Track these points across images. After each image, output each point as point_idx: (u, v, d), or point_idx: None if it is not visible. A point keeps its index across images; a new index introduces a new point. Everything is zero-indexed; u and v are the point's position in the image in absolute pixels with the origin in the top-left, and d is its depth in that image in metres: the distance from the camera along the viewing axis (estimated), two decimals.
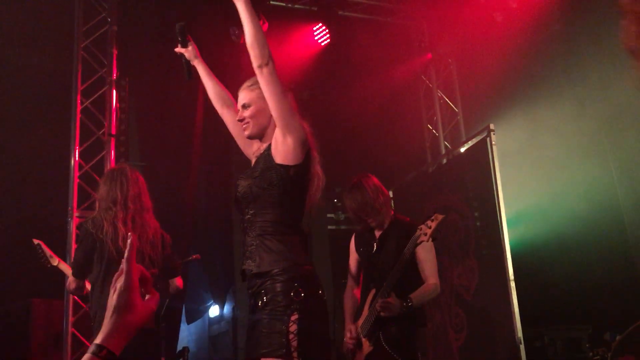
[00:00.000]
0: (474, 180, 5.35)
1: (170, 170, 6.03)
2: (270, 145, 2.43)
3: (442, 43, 6.48)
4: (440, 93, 6.73)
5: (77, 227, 3.49)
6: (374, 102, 6.56)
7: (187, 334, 9.37)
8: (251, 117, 2.49)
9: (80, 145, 5.17)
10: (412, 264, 3.51)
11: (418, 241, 3.34)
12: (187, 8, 5.79)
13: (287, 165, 2.36)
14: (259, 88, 2.41)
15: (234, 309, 7.83)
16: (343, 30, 6.21)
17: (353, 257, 3.91)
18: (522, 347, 4.66)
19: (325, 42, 6.38)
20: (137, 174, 3.57)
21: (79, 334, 4.85)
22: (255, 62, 2.31)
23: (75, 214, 4.94)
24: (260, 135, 2.52)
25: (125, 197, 3.42)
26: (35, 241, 3.71)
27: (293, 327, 2.16)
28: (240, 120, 2.52)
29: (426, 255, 3.52)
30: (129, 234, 1.21)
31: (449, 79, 6.69)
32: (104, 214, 3.39)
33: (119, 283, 1.14)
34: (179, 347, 4.91)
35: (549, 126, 5.50)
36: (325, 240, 7.80)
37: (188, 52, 2.78)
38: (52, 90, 5.51)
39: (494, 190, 4.95)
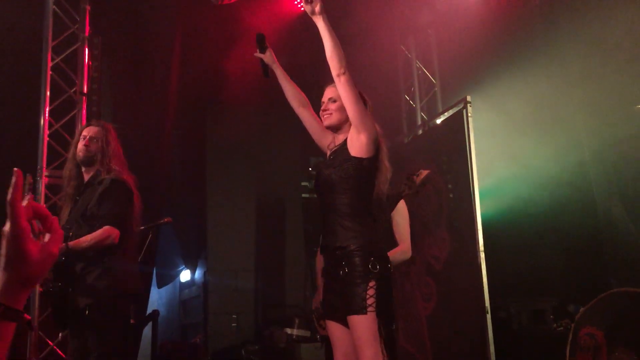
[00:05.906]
0: (449, 152, 5.37)
1: (144, 132, 5.92)
2: (346, 140, 2.89)
3: (422, 14, 6.42)
4: (418, 64, 6.71)
5: (112, 182, 3.26)
6: (352, 71, 6.49)
7: (157, 298, 9.37)
8: (335, 109, 2.95)
9: (51, 103, 5.05)
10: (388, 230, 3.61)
11: (403, 194, 3.42)
12: None
13: (361, 158, 2.81)
14: None
15: (205, 274, 7.83)
16: None
17: None
18: (488, 317, 4.75)
19: None
20: None
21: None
22: (334, 71, 2.80)
23: (45, 173, 4.85)
24: (337, 127, 2.97)
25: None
26: None
27: (371, 292, 2.63)
28: (325, 110, 2.97)
29: (400, 219, 3.67)
30: (15, 169, 0.95)
31: (428, 50, 6.66)
32: (125, 176, 3.32)
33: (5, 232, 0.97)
34: (149, 311, 4.91)
35: (525, 100, 5.54)
36: (298, 209, 7.81)
37: (266, 57, 3.16)
38: (21, 45, 5.34)
39: (468, 162, 4.97)
